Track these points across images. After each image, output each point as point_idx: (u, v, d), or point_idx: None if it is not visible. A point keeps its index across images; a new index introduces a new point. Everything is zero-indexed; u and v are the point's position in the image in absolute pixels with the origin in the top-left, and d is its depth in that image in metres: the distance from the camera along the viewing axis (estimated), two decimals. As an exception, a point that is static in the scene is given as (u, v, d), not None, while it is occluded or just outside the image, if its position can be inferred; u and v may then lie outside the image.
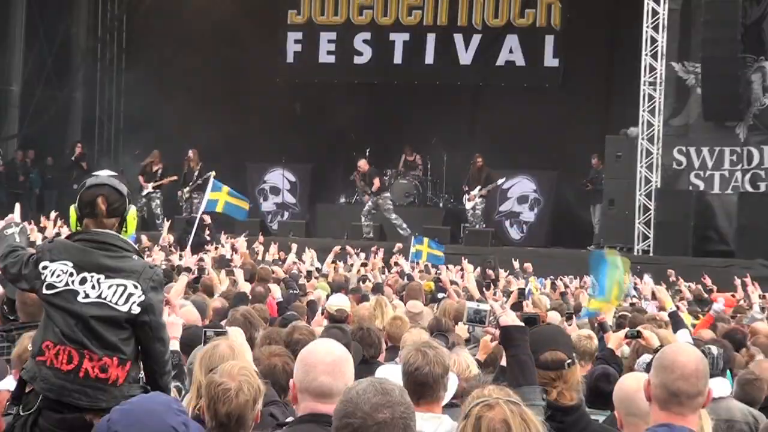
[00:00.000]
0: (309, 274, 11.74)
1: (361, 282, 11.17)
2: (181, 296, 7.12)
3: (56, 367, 4.04)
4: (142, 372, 4.27)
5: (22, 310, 5.07)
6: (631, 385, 3.89)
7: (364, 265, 13.51)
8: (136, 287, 4.17)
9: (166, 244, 14.41)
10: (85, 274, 4.15)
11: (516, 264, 15.80)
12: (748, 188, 18.71)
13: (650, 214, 18.56)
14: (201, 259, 10.33)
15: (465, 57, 23.18)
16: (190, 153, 19.84)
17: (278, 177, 22.58)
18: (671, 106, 19.11)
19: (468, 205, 19.85)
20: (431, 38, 23.28)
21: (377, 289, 10.18)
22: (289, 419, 3.49)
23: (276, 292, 8.39)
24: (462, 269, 13.01)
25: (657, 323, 7.24)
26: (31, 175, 21.11)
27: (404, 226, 19.23)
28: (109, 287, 4.14)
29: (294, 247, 14.24)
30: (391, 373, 3.89)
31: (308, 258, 13.76)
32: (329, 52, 23.84)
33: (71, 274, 4.14)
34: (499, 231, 21.21)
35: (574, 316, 9.61)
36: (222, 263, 11.40)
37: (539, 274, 15.57)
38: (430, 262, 14.90)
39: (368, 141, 21.17)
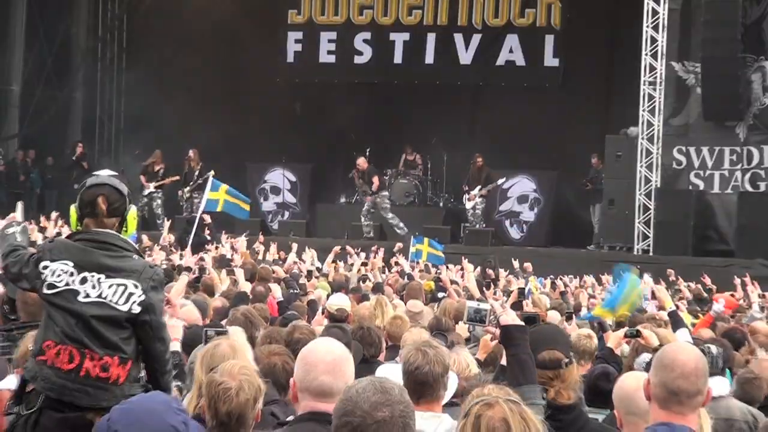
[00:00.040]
0: (309, 273, 11.75)
1: (361, 281, 11.17)
2: (181, 296, 7.12)
3: (57, 366, 4.05)
4: (142, 371, 4.27)
5: (23, 310, 5.08)
6: (630, 384, 3.90)
7: (364, 264, 13.51)
8: (136, 287, 4.17)
9: (166, 243, 14.41)
10: (86, 273, 4.16)
11: (516, 263, 15.79)
12: (748, 188, 18.69)
13: (650, 213, 18.56)
14: (201, 259, 10.34)
15: (465, 57, 23.18)
16: (191, 153, 19.84)
17: (279, 177, 22.58)
18: (671, 106, 19.10)
19: (468, 205, 19.85)
20: (431, 38, 23.28)
21: (377, 288, 10.18)
22: (290, 418, 3.49)
23: (276, 291, 8.39)
24: (462, 269, 13.00)
25: (656, 322, 7.25)
26: (31, 175, 21.11)
27: (401, 225, 19.21)
28: (110, 287, 4.15)
29: (294, 246, 14.24)
30: (391, 372, 3.90)
31: (308, 258, 13.76)
32: (329, 52, 23.84)
33: (72, 274, 4.15)
34: (499, 231, 21.20)
35: (574, 315, 9.61)
36: (222, 263, 11.40)
37: (539, 274, 15.56)
38: (430, 261, 14.90)
39: (368, 141, 21.16)
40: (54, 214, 13.65)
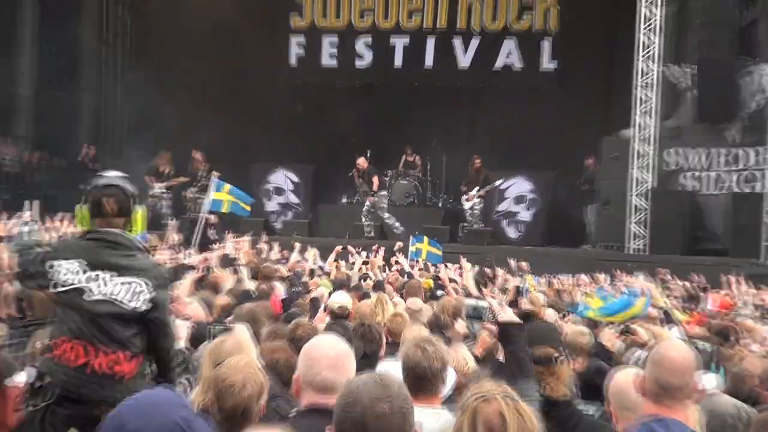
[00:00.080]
0: (312, 272, 11.76)
1: (362, 280, 11.16)
2: (187, 294, 7.16)
3: (67, 362, 4.08)
4: (149, 367, 4.31)
5: (39, 307, 5.11)
6: (623, 379, 3.93)
7: (365, 263, 13.51)
8: (144, 285, 4.21)
9: (173, 243, 14.43)
10: (94, 272, 4.19)
11: (513, 262, 15.80)
12: (741, 189, 18.72)
13: (644, 213, 18.60)
14: (207, 258, 10.36)
15: (464, 60, 23.23)
16: (198, 155, 19.86)
17: (282, 178, 22.63)
18: (666, 108, 19.12)
19: (466, 205, 19.88)
20: (431, 42, 23.32)
21: (378, 286, 10.18)
22: (293, 411, 3.52)
23: (280, 289, 8.42)
24: (461, 267, 13.01)
25: (652, 320, 7.27)
26: (40, 176, 21.12)
27: (397, 224, 19.22)
28: (118, 284, 4.18)
29: (297, 246, 14.25)
30: (391, 367, 3.92)
31: (311, 256, 13.77)
32: (331, 56, 23.88)
33: (80, 273, 4.18)
34: (497, 230, 21.23)
35: (570, 313, 9.63)
36: (227, 262, 11.42)
37: (535, 273, 15.56)
38: (428, 260, 14.90)
39: (369, 142, 21.18)
40: (62, 215, 13.66)
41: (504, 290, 10.59)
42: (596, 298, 7.96)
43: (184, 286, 7.53)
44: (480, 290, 9.80)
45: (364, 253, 14.26)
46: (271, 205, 22.84)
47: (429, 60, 23.35)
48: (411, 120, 22.11)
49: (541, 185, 21.66)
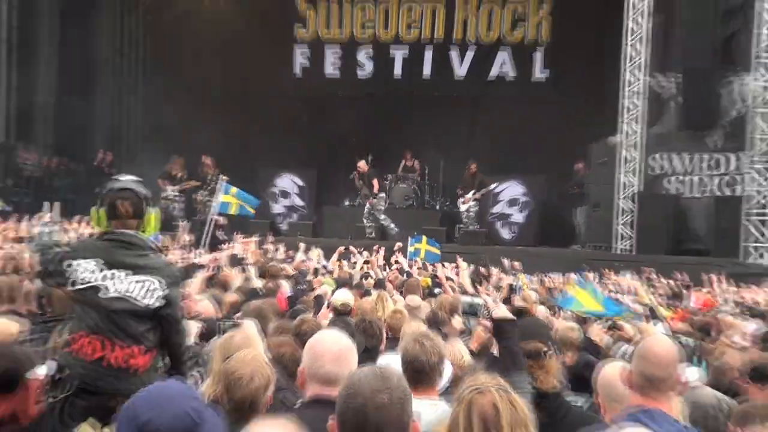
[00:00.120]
0: (316, 271, 11.76)
1: (363, 278, 11.17)
2: (198, 291, 7.16)
3: (84, 356, 4.09)
4: (162, 361, 4.32)
5: (58, 304, 5.12)
6: (610, 372, 3.93)
7: (366, 262, 13.52)
8: (157, 283, 4.22)
9: (184, 243, 14.44)
10: (110, 270, 4.20)
11: (506, 262, 15.80)
12: (722, 192, 18.74)
13: (631, 216, 18.64)
14: (216, 258, 10.37)
15: (460, 70, 23.28)
16: (208, 160, 19.88)
17: (288, 182, 22.66)
18: (652, 116, 19.14)
19: (462, 208, 19.90)
20: (428, 53, 23.36)
21: (379, 284, 10.18)
22: (298, 403, 3.53)
23: (286, 287, 8.42)
24: (457, 266, 13.02)
25: (640, 317, 7.28)
26: (59, 181, 21.13)
27: (392, 226, 19.22)
28: (133, 283, 4.20)
29: (302, 246, 14.26)
30: (391, 361, 3.93)
31: (315, 256, 13.78)
32: (334, 66, 23.92)
33: (97, 271, 4.19)
34: (491, 231, 21.25)
35: (560, 309, 9.64)
36: (236, 261, 11.42)
37: (528, 271, 15.57)
38: (427, 259, 14.91)
39: (370, 147, 21.23)
40: (77, 218, 13.67)
41: (498, 288, 10.59)
42: (583, 291, 7.95)
43: (194, 284, 7.54)
44: (475, 288, 9.81)
45: (365, 253, 14.28)
46: (278, 207, 22.86)
47: (427, 70, 23.40)
48: (410, 127, 22.15)
49: (534, 189, 21.67)
